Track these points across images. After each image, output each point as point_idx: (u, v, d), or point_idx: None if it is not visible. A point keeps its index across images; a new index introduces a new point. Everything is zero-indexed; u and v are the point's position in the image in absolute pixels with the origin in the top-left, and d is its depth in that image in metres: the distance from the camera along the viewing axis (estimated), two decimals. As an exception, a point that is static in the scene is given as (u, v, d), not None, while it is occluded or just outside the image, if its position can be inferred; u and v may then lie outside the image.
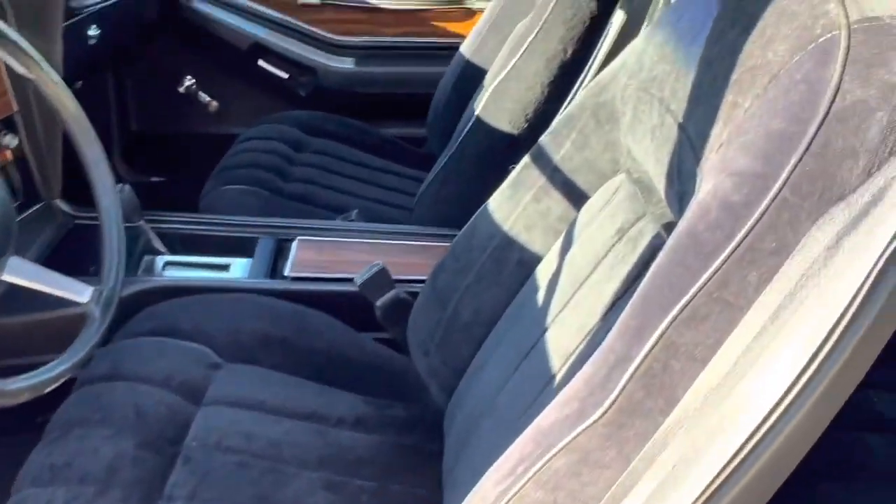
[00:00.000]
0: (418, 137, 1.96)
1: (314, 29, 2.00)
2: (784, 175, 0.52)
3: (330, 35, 2.00)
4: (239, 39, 1.98)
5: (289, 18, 1.99)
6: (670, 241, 0.57)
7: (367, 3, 2.00)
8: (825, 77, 0.53)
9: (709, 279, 0.51)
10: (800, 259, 0.50)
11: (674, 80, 0.73)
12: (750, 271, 0.51)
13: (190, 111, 2.02)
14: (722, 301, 0.51)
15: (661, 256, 0.57)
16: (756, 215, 0.51)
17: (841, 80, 0.52)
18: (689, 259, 0.53)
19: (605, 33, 1.31)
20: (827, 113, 0.52)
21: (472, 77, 1.70)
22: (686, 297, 0.51)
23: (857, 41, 0.53)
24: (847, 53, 0.53)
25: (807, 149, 0.52)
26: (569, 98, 1.31)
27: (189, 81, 2.00)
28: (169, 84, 2.00)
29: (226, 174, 1.61)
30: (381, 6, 2.00)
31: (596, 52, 1.30)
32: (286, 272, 1.20)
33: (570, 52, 1.28)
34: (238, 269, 1.24)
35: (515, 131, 1.32)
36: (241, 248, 1.28)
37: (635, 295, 0.56)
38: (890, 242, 0.45)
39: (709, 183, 0.58)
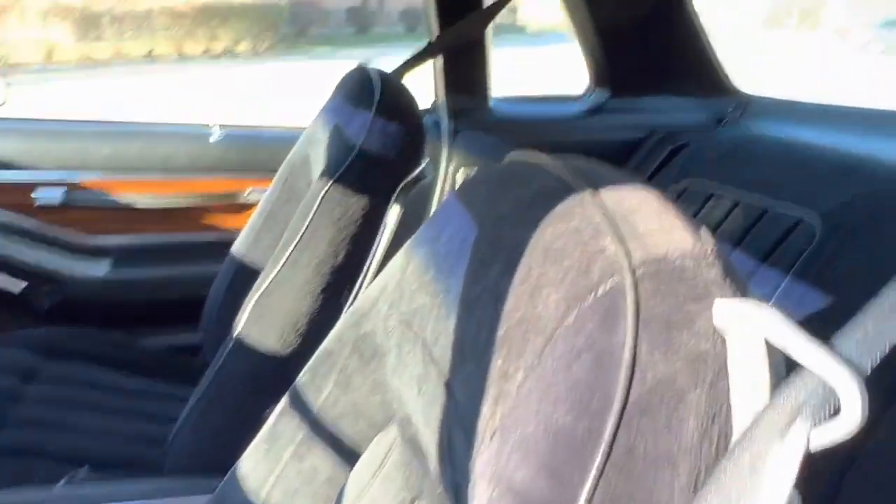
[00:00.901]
0: (192, 346, 1.68)
1: (57, 230, 1.71)
2: (582, 501, 0.35)
3: (78, 236, 1.72)
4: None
5: (23, 219, 1.69)
6: None
7: (121, 204, 1.75)
8: (614, 345, 0.38)
9: None
10: None
11: (435, 320, 0.57)
12: None
13: None
14: None
15: None
16: None
17: (636, 350, 0.37)
18: None
19: (381, 231, 1.17)
20: (625, 402, 0.36)
21: (248, 277, 1.50)
22: None
23: (648, 292, 0.39)
24: (637, 310, 0.38)
25: (606, 458, 0.35)
26: (347, 303, 1.14)
27: None
28: None
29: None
30: (139, 206, 1.76)
31: (373, 251, 1.16)
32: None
33: (342, 255, 1.13)
34: None
35: (286, 349, 1.11)
36: None
37: None
38: None
39: (483, 495, 0.40)
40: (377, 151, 1.20)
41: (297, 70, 11.24)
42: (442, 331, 0.55)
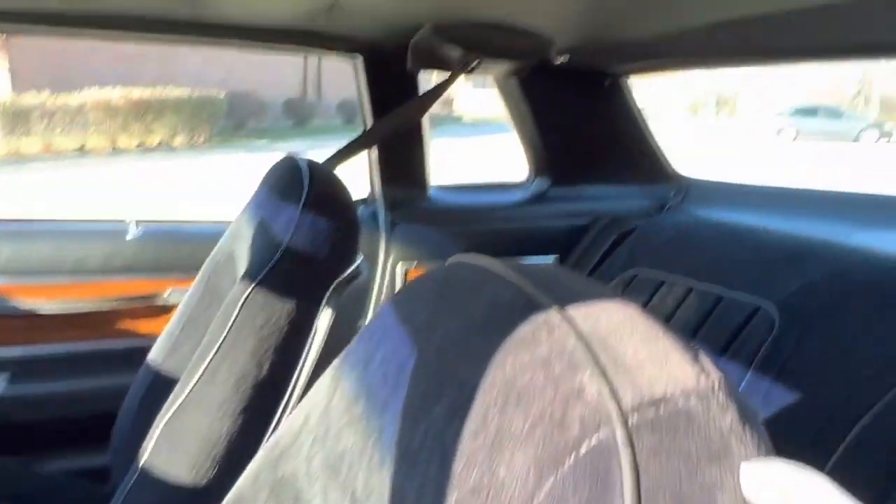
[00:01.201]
0: (100, 469, 1.48)
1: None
2: None
3: (-30, 351, 1.53)
4: None
5: None
6: None
7: (21, 310, 1.57)
8: (609, 535, 0.27)
9: None
10: None
11: (367, 469, 0.45)
12: None
13: None
14: None
15: None
16: None
17: (640, 542, 0.26)
18: None
19: (310, 339, 1.05)
20: None
21: (164, 390, 1.33)
22: None
23: (648, 450, 0.29)
24: (636, 478, 0.28)
25: None
26: (272, 425, 1.00)
27: None
28: None
29: None
30: (42, 312, 1.59)
31: (301, 363, 1.03)
32: None
33: (266, 368, 0.99)
34: None
35: (199, 480, 0.95)
36: None
37: None
38: None
39: None
40: (306, 249, 1.09)
41: (232, 163, 11.17)
42: (375, 485, 0.43)
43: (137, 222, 1.67)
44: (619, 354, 0.33)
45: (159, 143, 13.15)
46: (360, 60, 1.64)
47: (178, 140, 13.44)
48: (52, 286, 1.60)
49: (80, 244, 1.63)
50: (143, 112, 12.90)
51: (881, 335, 1.12)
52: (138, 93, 12.82)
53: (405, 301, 0.54)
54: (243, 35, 1.51)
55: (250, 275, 1.08)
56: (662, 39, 1.49)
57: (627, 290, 1.63)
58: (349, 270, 1.14)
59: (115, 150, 12.43)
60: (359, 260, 1.18)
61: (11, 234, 1.61)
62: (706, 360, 0.33)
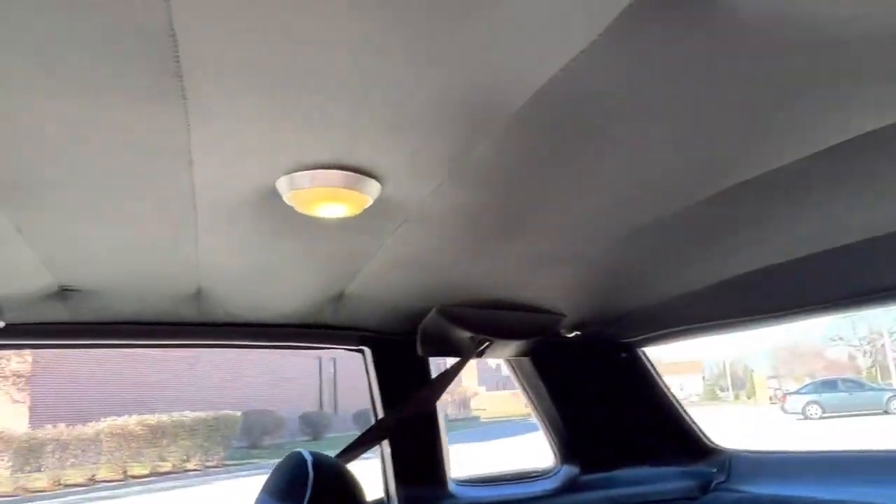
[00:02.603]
0: None
1: None
2: None
3: None
4: None
5: None
6: None
7: None
8: None
9: None
10: None
11: None
12: None
13: None
14: None
15: None
16: None
17: None
18: None
19: None
20: None
21: None
22: None
23: None
24: None
25: None
26: None
27: None
28: None
29: None
30: None
31: None
32: None
33: None
34: None
35: None
36: None
37: None
38: None
39: None
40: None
41: (242, 486, 10.75)
42: None
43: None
44: None
45: (172, 468, 12.80)
46: (368, 351, 1.62)
47: (191, 464, 13.11)
48: None
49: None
50: (159, 437, 12.78)
51: None
52: (155, 419, 12.85)
53: None
54: (252, 335, 1.51)
55: None
56: (672, 305, 1.48)
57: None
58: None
59: (126, 480, 12.05)
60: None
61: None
62: None
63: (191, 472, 12.74)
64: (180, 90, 0.60)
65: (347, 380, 19.81)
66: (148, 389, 14.85)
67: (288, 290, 1.32)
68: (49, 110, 0.63)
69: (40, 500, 10.35)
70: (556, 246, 1.16)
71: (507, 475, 1.81)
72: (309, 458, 1.13)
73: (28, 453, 11.49)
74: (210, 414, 13.64)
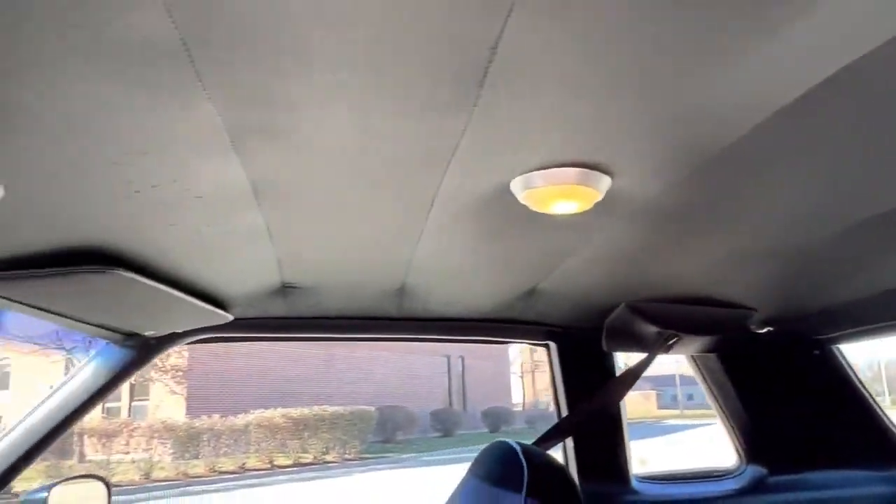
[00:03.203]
0: None
1: None
2: None
3: None
4: None
5: None
6: None
7: None
8: None
9: None
10: None
11: None
12: None
13: None
14: None
15: None
16: None
17: None
18: None
19: None
20: None
21: None
22: None
23: None
24: None
25: None
26: None
27: None
28: None
29: None
30: None
31: None
32: None
33: None
34: None
35: None
36: None
37: None
38: None
39: None
40: (535, 541, 0.98)
41: (381, 478, 11.12)
42: None
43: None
44: None
45: (313, 460, 13.46)
46: (553, 346, 1.65)
47: (331, 456, 13.73)
48: None
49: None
50: (301, 430, 13.48)
51: None
52: (297, 412, 13.56)
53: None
54: (445, 330, 1.57)
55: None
56: (872, 302, 1.40)
57: None
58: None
59: (272, 469, 12.79)
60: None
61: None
62: None
63: (330, 464, 13.34)
64: (475, 99, 0.64)
65: (475, 379, 20.01)
66: (290, 385, 15.70)
67: (484, 287, 1.37)
68: (326, 120, 0.69)
69: (198, 485, 11.18)
70: (762, 241, 1.13)
71: (688, 473, 1.78)
72: (518, 447, 1.18)
73: (187, 441, 12.45)
74: (347, 409, 14.22)
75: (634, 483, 1.65)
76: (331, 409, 14.04)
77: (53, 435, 1.53)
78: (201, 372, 14.49)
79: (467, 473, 1.27)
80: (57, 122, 0.63)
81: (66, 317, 1.22)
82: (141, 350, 1.48)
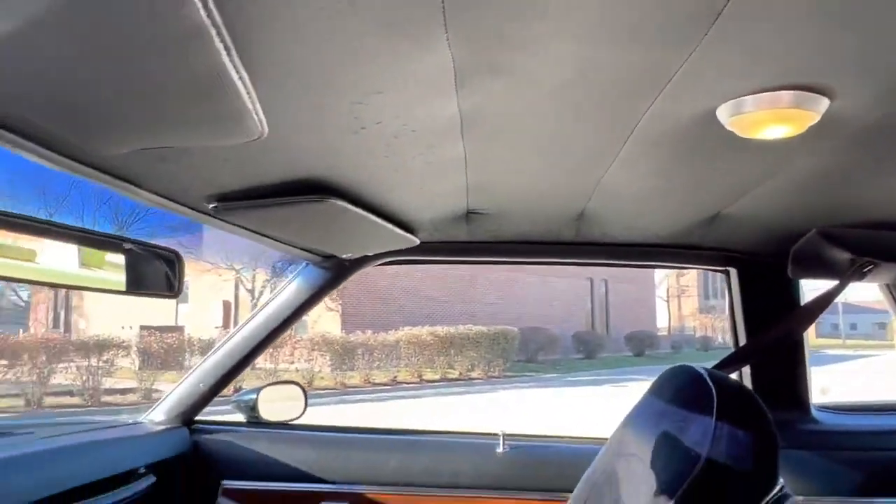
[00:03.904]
0: None
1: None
2: None
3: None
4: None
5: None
6: None
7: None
8: None
9: None
10: None
11: None
12: None
13: None
14: None
15: None
16: None
17: None
18: None
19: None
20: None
21: None
22: None
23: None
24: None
25: None
26: None
27: None
28: None
29: None
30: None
31: None
32: None
33: None
34: None
35: None
36: None
37: None
38: None
39: None
40: (727, 462, 1.00)
41: (526, 395, 11.44)
42: None
43: (505, 436, 1.71)
44: None
45: (459, 376, 14.08)
46: (733, 272, 1.61)
47: (476, 373, 14.28)
48: (429, 497, 1.67)
49: (455, 456, 1.71)
50: (447, 347, 14.09)
51: None
52: (443, 330, 14.14)
53: None
54: (622, 255, 1.58)
55: (667, 489, 1.01)
56: None
57: None
58: (775, 491, 1.02)
59: (421, 383, 13.54)
60: (781, 482, 1.05)
61: (399, 444, 1.75)
62: None
63: (475, 380, 13.89)
64: (707, 28, 0.64)
65: (618, 302, 19.77)
66: (437, 304, 16.32)
67: (666, 213, 1.37)
68: (551, 56, 0.71)
69: (356, 394, 12.07)
70: None
71: (875, 404, 1.71)
72: (704, 372, 1.19)
73: (343, 354, 13.39)
74: (490, 329, 14.63)
75: (815, 412, 1.61)
76: (475, 328, 14.50)
77: (263, 345, 1.73)
78: (354, 290, 15.37)
79: (648, 395, 1.30)
80: (314, 73, 0.70)
81: (280, 241, 1.36)
82: (337, 271, 1.61)
